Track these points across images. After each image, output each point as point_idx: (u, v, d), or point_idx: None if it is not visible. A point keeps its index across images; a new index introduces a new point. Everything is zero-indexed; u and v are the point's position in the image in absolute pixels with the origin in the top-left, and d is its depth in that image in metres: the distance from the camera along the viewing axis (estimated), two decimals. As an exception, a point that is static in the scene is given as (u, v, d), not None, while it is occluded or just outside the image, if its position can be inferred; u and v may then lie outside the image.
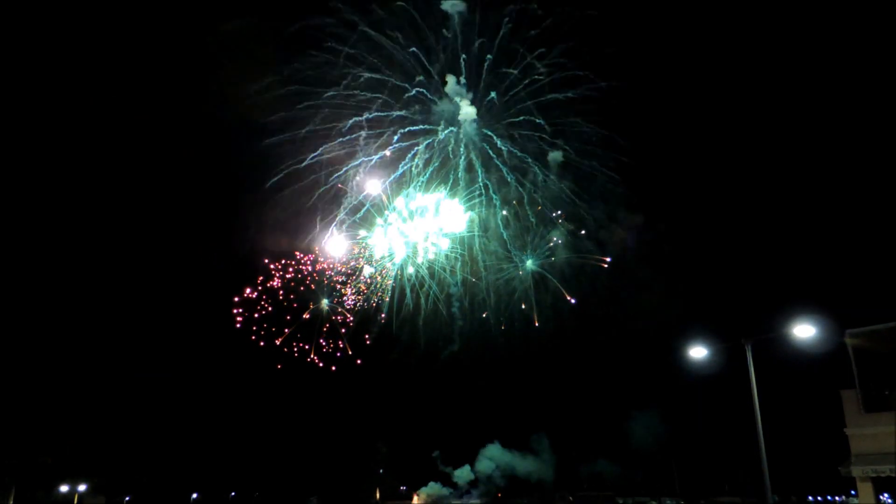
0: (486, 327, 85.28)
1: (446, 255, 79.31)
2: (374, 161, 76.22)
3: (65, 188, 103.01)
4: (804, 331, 24.10)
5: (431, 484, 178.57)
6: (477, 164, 78.13)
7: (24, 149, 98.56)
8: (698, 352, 27.02)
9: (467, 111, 76.35)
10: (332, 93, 73.69)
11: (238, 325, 79.84)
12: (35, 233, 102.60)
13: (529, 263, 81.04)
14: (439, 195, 77.93)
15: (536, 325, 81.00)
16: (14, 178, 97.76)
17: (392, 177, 76.63)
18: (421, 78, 75.34)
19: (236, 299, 79.92)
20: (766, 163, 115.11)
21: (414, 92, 75.31)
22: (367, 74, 73.85)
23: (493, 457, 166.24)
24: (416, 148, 76.61)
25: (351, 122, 74.71)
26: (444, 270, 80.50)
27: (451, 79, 76.23)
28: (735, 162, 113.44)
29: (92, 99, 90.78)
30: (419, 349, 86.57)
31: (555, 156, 78.67)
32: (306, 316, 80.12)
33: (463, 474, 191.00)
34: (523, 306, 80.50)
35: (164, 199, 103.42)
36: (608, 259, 78.93)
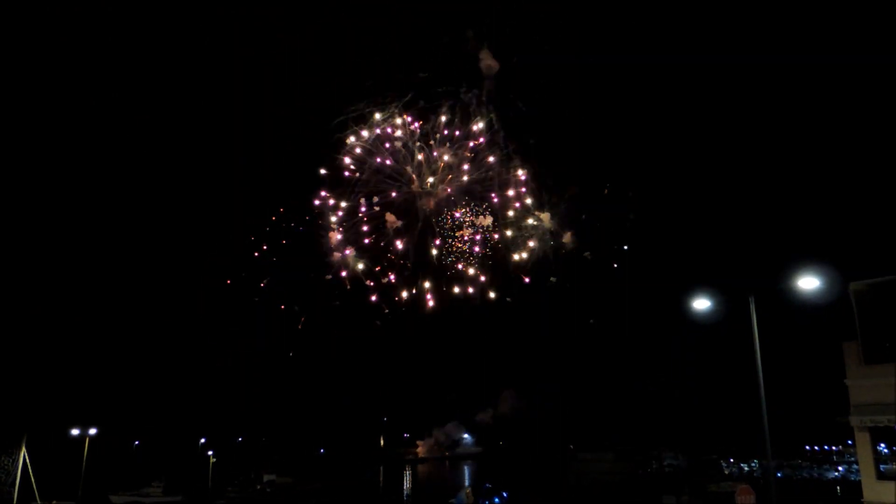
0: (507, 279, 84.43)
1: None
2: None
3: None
4: (808, 283, 23.98)
5: (454, 422, 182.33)
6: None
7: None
8: (702, 303, 26.89)
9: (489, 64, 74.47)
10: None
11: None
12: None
13: (547, 218, 79.92)
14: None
15: (553, 280, 79.38)
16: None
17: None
18: None
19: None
20: (772, 119, 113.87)
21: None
22: None
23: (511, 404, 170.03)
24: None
25: None
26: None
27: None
28: (744, 117, 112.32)
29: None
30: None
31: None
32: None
33: (485, 417, 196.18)
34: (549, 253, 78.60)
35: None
36: (631, 216, 77.02)
